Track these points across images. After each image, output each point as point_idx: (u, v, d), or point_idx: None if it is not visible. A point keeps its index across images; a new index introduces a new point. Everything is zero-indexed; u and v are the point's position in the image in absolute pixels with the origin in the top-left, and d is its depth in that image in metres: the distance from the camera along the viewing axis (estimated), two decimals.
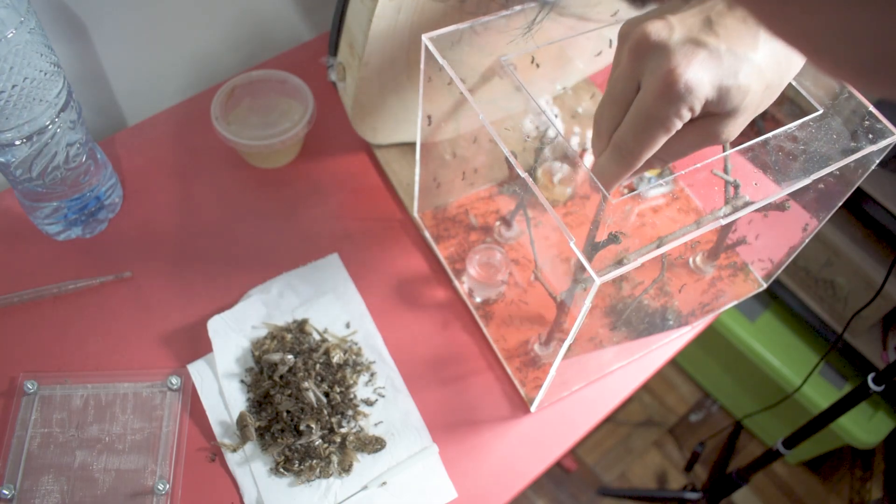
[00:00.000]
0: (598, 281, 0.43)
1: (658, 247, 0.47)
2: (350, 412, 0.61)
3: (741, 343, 1.39)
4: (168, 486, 0.57)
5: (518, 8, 0.54)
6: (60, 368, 0.62)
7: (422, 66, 0.55)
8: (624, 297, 0.61)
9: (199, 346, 0.64)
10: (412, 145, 0.78)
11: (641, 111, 0.43)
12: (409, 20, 0.60)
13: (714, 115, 0.44)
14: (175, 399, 0.61)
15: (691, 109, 0.42)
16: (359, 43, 0.60)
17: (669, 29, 0.42)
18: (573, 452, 1.54)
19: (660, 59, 0.42)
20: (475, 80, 0.60)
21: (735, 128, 0.44)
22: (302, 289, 0.68)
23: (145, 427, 0.60)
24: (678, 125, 0.43)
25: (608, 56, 0.70)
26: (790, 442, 1.09)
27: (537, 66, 0.57)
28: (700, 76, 0.41)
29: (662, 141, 0.44)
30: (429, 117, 0.61)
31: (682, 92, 0.41)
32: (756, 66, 0.41)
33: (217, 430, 0.60)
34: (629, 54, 0.44)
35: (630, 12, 0.46)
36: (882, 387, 0.92)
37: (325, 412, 0.60)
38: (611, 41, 0.66)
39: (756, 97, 0.43)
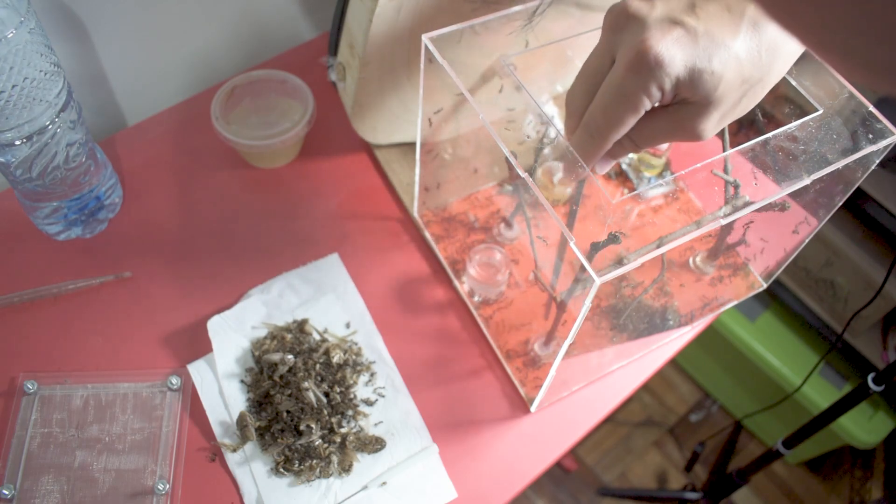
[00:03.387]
0: (598, 281, 0.43)
1: (658, 247, 0.47)
2: (350, 412, 0.61)
3: (741, 343, 1.39)
4: (168, 486, 0.57)
5: (518, 8, 0.54)
6: (60, 368, 0.62)
7: (422, 66, 0.55)
8: (624, 297, 0.61)
9: (199, 346, 0.64)
10: (412, 145, 0.78)
11: (611, 85, 0.42)
12: (409, 20, 0.60)
13: (688, 103, 0.42)
14: (175, 399, 0.61)
15: (661, 87, 0.41)
16: (359, 43, 0.60)
17: (650, 6, 0.41)
18: (573, 452, 1.54)
19: (634, 33, 0.40)
20: (475, 80, 0.60)
21: (709, 123, 0.43)
22: (302, 289, 0.68)
23: (145, 427, 0.60)
24: (646, 103, 0.41)
25: None
26: (790, 442, 1.09)
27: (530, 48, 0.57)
28: (672, 52, 0.39)
29: (631, 120, 0.42)
30: (430, 119, 0.61)
31: (651, 65, 0.39)
32: (733, 54, 0.40)
33: (217, 430, 0.60)
34: (605, 28, 0.43)
35: None
36: (882, 387, 0.92)
37: (325, 412, 0.60)
38: None
39: (731, 89, 0.41)
